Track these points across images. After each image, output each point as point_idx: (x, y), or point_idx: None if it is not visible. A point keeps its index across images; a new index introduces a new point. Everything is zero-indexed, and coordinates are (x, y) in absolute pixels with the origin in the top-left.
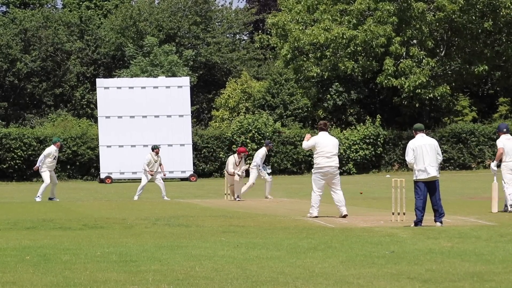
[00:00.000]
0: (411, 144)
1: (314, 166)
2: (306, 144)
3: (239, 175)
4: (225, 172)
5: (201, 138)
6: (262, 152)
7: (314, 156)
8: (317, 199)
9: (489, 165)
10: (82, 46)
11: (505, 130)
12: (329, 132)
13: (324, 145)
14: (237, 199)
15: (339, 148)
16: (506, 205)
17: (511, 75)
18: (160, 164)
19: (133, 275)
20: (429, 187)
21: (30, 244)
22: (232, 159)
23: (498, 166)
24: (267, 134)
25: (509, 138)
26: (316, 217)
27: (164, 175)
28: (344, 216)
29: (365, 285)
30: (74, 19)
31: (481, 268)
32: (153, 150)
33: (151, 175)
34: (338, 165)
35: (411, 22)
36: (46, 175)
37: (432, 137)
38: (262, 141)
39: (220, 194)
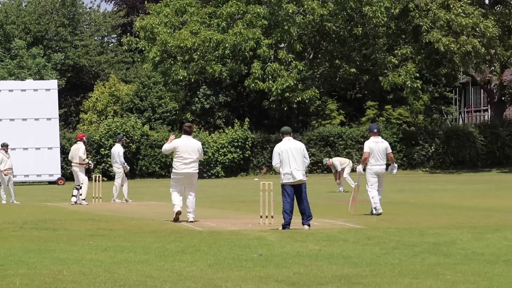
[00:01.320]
0: (277, 148)
1: (172, 169)
2: (165, 147)
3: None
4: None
5: (69, 141)
6: (120, 149)
7: (173, 158)
8: (180, 200)
9: (356, 168)
10: None
11: (375, 131)
12: (194, 136)
13: (184, 150)
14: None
15: (205, 151)
16: (372, 209)
17: (378, 79)
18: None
19: (0, 279)
20: (296, 191)
21: None
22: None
23: (364, 169)
24: (136, 137)
25: (378, 140)
26: (178, 213)
27: (14, 175)
28: (190, 222)
29: None
30: None
31: (349, 271)
32: (2, 148)
33: (5, 174)
34: (196, 170)
35: (280, 25)
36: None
37: (300, 140)
38: (131, 144)
39: (88, 198)
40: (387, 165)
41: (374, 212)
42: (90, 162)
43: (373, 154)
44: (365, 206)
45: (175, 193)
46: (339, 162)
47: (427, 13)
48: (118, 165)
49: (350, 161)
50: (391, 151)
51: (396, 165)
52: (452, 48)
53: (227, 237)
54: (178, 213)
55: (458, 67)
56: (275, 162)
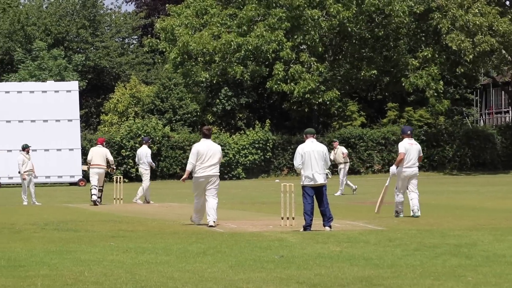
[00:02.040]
0: (300, 149)
1: (194, 173)
2: (189, 161)
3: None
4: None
5: (90, 143)
6: (148, 150)
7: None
8: (201, 204)
9: (390, 168)
10: None
11: (409, 132)
12: (215, 137)
13: (203, 154)
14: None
15: (226, 153)
16: (396, 211)
17: (399, 81)
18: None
19: (21, 280)
20: (317, 193)
21: None
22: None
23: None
24: (157, 138)
25: (412, 142)
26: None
27: (36, 177)
28: (210, 226)
29: None
30: None
31: (370, 273)
32: (23, 150)
33: (24, 178)
34: (217, 173)
35: (303, 27)
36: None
37: (321, 141)
38: (152, 145)
39: (109, 199)
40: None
41: (396, 214)
42: (114, 166)
43: (408, 155)
44: (389, 208)
45: (196, 200)
46: (341, 152)
47: (446, 14)
48: (146, 166)
49: (347, 164)
50: (422, 154)
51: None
52: (466, 47)
53: (248, 239)
54: (196, 223)
55: (477, 68)
56: (297, 163)
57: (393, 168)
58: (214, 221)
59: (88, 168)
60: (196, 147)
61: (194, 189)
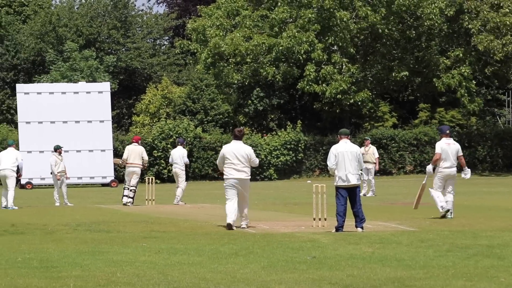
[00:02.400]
0: (333, 150)
1: (224, 175)
2: (218, 161)
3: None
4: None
5: (122, 144)
6: (184, 151)
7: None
8: (232, 206)
9: (426, 167)
10: (1, 51)
11: (447, 132)
12: (246, 138)
13: (232, 156)
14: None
15: (258, 153)
16: (441, 206)
17: (431, 81)
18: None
19: (54, 281)
20: (350, 193)
21: None
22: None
23: (434, 170)
24: (188, 139)
25: (449, 142)
26: (231, 226)
27: (68, 178)
28: (243, 228)
29: None
30: None
31: (402, 274)
32: (55, 151)
33: (58, 179)
34: (247, 177)
35: (333, 29)
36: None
37: (353, 142)
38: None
39: (141, 200)
40: (457, 167)
41: (441, 210)
42: (146, 165)
43: (445, 155)
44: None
45: (228, 201)
46: (372, 153)
47: (477, 15)
48: (182, 167)
49: (375, 165)
50: (462, 154)
51: (469, 169)
52: (495, 47)
53: (280, 240)
54: (229, 226)
55: (508, 68)
56: (331, 163)
57: (429, 167)
58: (246, 224)
59: (122, 165)
60: (223, 149)
61: (226, 192)
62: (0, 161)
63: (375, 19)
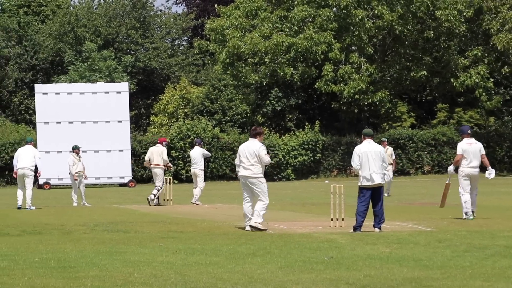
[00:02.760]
0: (357, 150)
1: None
2: (236, 161)
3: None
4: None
5: (140, 144)
6: (204, 151)
7: None
8: (245, 208)
9: (448, 168)
10: (20, 52)
11: (469, 132)
12: (265, 138)
13: (242, 154)
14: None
15: (276, 154)
16: (465, 213)
17: (449, 81)
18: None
19: (71, 281)
20: (374, 194)
21: None
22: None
23: (456, 170)
24: (206, 139)
25: (471, 142)
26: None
27: (86, 178)
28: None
29: None
30: (13, 25)
31: (420, 274)
32: (73, 151)
33: (76, 179)
34: (255, 175)
35: (351, 28)
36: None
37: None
38: (203, 147)
39: (159, 200)
40: (481, 167)
41: (465, 217)
42: (171, 165)
43: (466, 155)
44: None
45: (243, 203)
46: (390, 154)
47: (496, 15)
48: (201, 167)
49: (392, 166)
50: (484, 153)
51: (493, 170)
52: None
53: (297, 240)
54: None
55: None
56: (355, 163)
57: (450, 168)
58: (251, 225)
59: (148, 167)
60: (240, 148)
61: (243, 191)
62: (18, 159)
63: (391, 18)
